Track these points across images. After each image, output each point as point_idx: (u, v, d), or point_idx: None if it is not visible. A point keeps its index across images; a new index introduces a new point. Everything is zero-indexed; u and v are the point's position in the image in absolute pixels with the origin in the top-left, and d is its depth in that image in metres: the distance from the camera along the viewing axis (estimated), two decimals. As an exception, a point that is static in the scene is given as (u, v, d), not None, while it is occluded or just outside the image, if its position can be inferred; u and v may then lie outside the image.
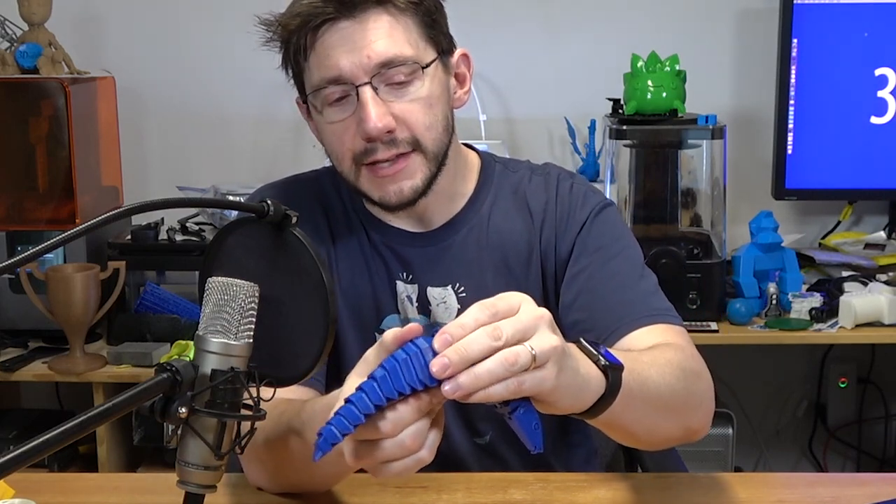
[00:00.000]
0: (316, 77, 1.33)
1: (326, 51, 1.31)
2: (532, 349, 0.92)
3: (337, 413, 0.92)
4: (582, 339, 1.04)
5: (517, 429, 0.96)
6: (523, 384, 0.92)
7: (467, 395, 0.91)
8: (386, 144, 1.32)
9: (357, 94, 1.31)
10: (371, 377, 0.93)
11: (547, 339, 0.93)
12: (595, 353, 1.03)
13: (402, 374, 0.92)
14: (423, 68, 1.33)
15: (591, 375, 1.01)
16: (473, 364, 0.91)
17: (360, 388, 0.93)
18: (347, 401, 0.93)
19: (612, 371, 1.03)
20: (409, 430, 0.93)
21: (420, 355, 0.92)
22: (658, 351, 1.23)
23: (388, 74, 1.31)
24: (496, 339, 0.91)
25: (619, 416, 1.08)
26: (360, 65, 1.30)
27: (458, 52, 1.41)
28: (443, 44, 1.37)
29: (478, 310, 0.94)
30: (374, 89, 1.30)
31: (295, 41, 1.33)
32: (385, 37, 1.31)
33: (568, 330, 1.34)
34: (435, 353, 0.92)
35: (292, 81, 1.40)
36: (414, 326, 0.95)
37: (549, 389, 0.94)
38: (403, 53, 1.31)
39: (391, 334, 0.96)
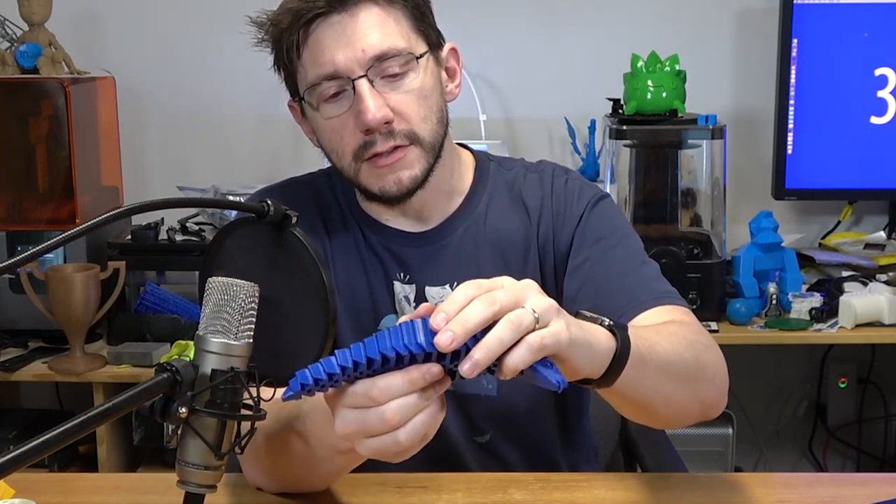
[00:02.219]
0: (311, 74, 1.33)
1: (320, 46, 1.32)
2: (533, 310, 0.93)
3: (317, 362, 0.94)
4: (580, 311, 1.06)
5: (533, 375, 0.96)
6: (544, 339, 0.93)
7: (495, 368, 0.92)
8: (384, 136, 1.32)
9: (353, 88, 1.31)
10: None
11: (541, 300, 0.95)
12: (597, 317, 1.05)
13: (388, 340, 0.93)
14: (417, 59, 1.34)
15: (598, 334, 1.02)
16: (476, 336, 0.92)
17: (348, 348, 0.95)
18: (332, 354, 0.94)
19: (619, 329, 1.04)
20: (393, 403, 0.93)
21: (411, 326, 0.93)
22: (663, 325, 1.24)
23: (383, 67, 1.32)
24: (491, 303, 0.92)
25: (634, 384, 1.09)
26: (354, 59, 1.31)
27: (447, 47, 1.43)
28: (432, 37, 1.39)
29: (466, 286, 0.95)
30: (370, 82, 1.31)
31: (287, 38, 1.33)
32: (378, 29, 1.32)
33: None
34: (427, 327, 0.92)
35: (284, 84, 1.40)
36: (418, 313, 0.96)
37: (567, 341, 0.95)
38: (397, 45, 1.32)
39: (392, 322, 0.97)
